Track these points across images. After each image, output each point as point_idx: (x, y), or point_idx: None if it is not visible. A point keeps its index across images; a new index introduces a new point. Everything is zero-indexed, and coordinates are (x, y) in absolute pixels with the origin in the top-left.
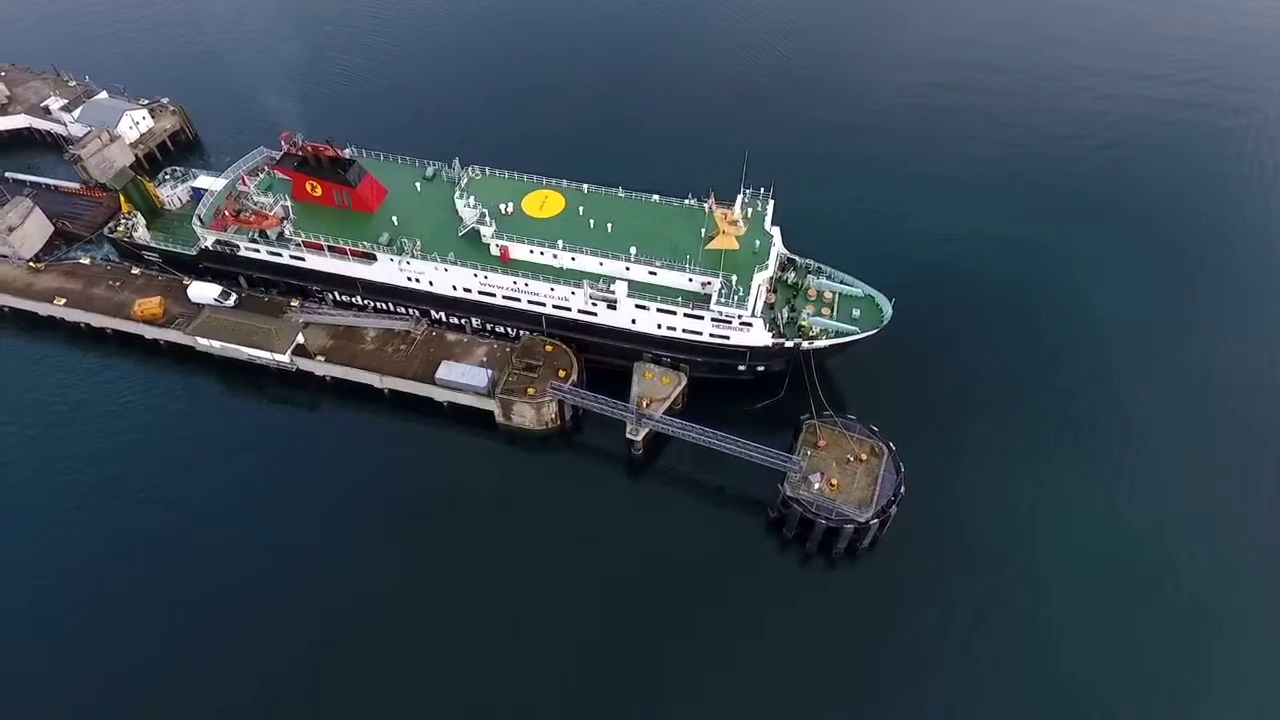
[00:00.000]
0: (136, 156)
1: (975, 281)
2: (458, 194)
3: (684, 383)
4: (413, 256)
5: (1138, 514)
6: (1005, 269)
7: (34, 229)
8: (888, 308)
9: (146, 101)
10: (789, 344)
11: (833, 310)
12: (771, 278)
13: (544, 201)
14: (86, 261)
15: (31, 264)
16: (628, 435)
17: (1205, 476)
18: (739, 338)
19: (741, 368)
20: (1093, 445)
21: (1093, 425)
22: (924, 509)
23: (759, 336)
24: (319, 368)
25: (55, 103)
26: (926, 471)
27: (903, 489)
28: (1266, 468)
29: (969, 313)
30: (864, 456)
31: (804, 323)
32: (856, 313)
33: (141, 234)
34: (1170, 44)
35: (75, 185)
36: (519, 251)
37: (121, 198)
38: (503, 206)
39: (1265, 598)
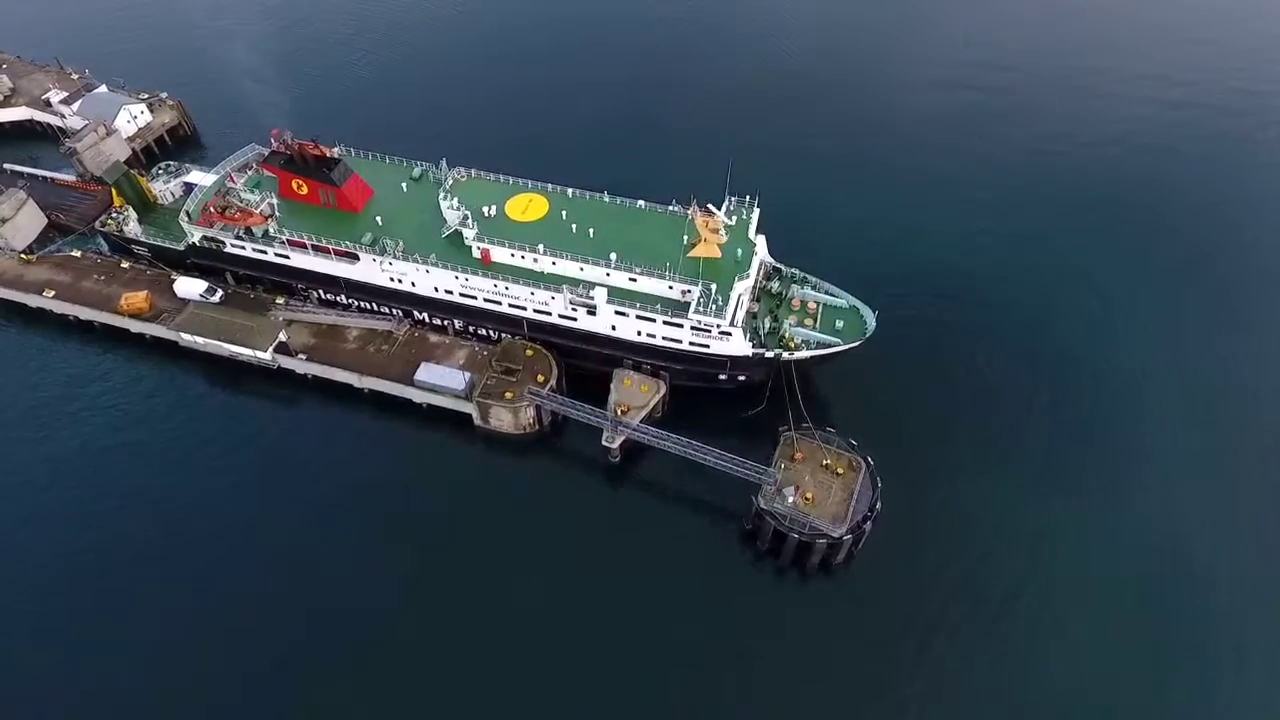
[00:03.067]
0: (133, 150)
1: (966, 294)
2: (442, 195)
3: (664, 390)
4: (395, 257)
5: (1124, 534)
6: (996, 283)
7: (27, 221)
8: (871, 320)
9: (146, 96)
10: (769, 354)
11: (816, 321)
12: (755, 287)
13: (527, 205)
14: (77, 254)
15: (23, 255)
16: (604, 442)
17: (1200, 494)
18: (718, 346)
19: (722, 377)
20: (1080, 466)
21: (1081, 445)
22: (901, 526)
23: (739, 346)
24: (300, 366)
25: (56, 95)
26: (905, 487)
27: (879, 504)
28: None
29: (958, 326)
30: (841, 470)
31: (785, 333)
32: (840, 324)
33: (132, 228)
34: (1190, 46)
35: (71, 178)
36: (500, 254)
37: (114, 191)
38: (486, 209)
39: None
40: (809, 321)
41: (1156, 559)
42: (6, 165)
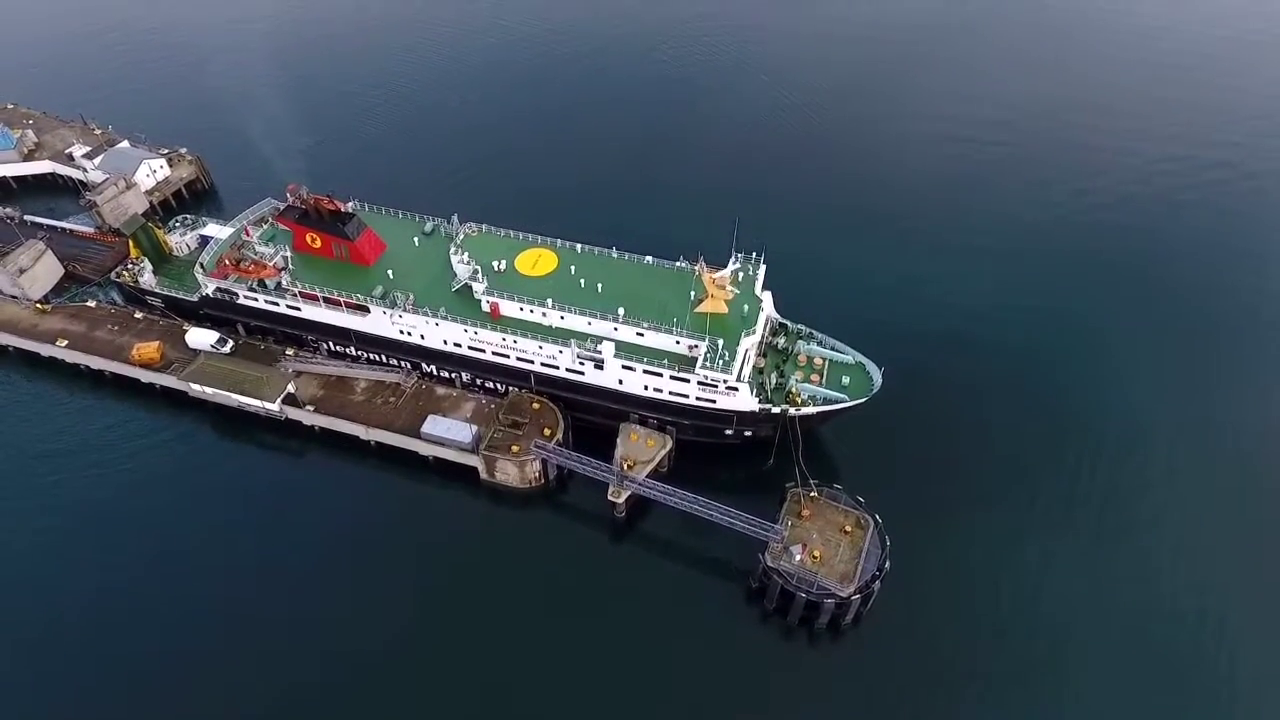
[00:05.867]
0: (151, 203)
1: (973, 351)
2: (453, 250)
3: (670, 445)
4: (404, 310)
5: (1137, 591)
6: (1004, 340)
7: (44, 271)
8: (878, 376)
9: (165, 151)
10: (776, 410)
11: (822, 377)
12: (762, 342)
13: (537, 260)
14: (92, 304)
15: (39, 305)
16: (609, 497)
17: (1214, 555)
18: (725, 402)
19: (728, 432)
20: (1093, 526)
21: (1094, 505)
22: (910, 586)
23: (745, 401)
24: (307, 417)
25: (79, 150)
26: (914, 547)
27: (887, 564)
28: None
29: (965, 384)
30: (848, 528)
31: (791, 389)
32: (846, 380)
33: (147, 279)
34: (1199, 107)
35: (90, 229)
36: (509, 308)
37: (130, 243)
38: (496, 263)
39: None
40: (815, 378)
41: (1171, 614)
42: (27, 217)
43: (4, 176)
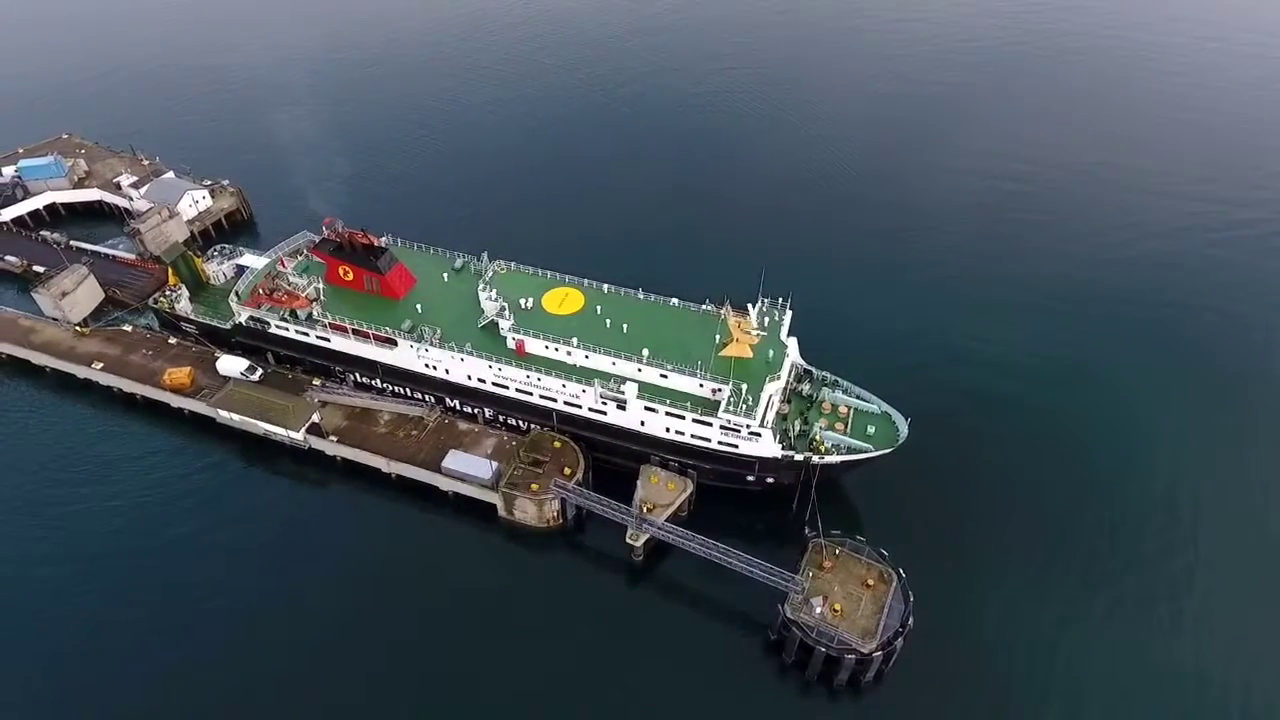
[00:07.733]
0: (192, 232)
1: (1002, 404)
2: (481, 286)
3: (690, 489)
4: (431, 344)
5: (1176, 663)
6: (1034, 393)
7: (85, 295)
8: (904, 427)
9: (209, 182)
10: (799, 457)
11: (847, 425)
12: (786, 389)
13: (564, 299)
14: (128, 329)
15: (78, 328)
16: (628, 540)
17: (1244, 615)
18: (747, 447)
19: (750, 478)
20: (1126, 588)
21: (1127, 565)
22: (934, 644)
23: (768, 447)
24: (330, 447)
25: (126, 179)
26: (938, 603)
27: (910, 620)
28: None
29: (994, 437)
30: (871, 582)
31: (815, 436)
32: (871, 430)
33: (183, 306)
34: (1228, 160)
35: (131, 256)
36: (534, 346)
37: (170, 270)
38: (523, 301)
39: None
40: (840, 426)
41: (1199, 683)
42: (73, 242)
43: (54, 203)
